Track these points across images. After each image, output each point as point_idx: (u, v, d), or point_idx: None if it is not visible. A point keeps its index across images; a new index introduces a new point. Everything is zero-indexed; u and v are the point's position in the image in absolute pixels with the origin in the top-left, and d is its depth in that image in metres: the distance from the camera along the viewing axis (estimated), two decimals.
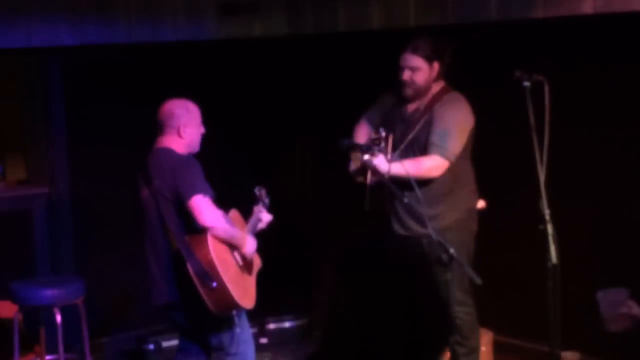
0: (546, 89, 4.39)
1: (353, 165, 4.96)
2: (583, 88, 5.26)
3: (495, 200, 5.36)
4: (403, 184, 4.64)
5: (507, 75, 4.48)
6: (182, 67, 6.41)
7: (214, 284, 4.31)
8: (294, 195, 6.75)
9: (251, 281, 4.68)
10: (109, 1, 5.84)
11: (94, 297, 5.73)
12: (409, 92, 4.89)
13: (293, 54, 6.91)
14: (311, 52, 6.86)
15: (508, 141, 5.42)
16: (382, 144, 4.55)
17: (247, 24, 6.45)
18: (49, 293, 5.32)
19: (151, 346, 6.03)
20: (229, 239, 4.48)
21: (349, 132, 5.15)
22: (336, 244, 1.88)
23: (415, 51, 4.83)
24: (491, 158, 5.53)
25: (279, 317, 6.42)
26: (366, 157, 4.60)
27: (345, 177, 5.00)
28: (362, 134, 5.08)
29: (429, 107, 4.88)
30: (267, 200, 4.88)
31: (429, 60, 4.83)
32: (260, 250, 4.73)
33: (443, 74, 4.90)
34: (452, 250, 4.26)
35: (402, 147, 4.85)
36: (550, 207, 4.34)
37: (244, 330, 4.63)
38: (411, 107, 4.95)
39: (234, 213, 4.72)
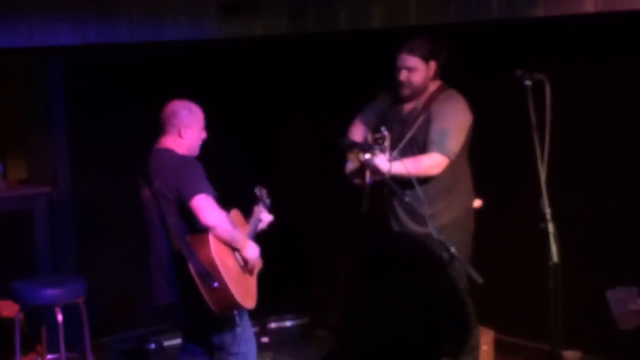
0: (547, 87, 4.39)
1: (350, 166, 4.96)
2: (584, 87, 5.26)
3: (497, 199, 5.36)
4: (403, 183, 4.64)
5: (508, 74, 4.48)
6: (183, 66, 6.41)
7: (216, 284, 4.31)
8: (295, 195, 6.75)
9: (252, 281, 4.68)
10: (110, 1, 5.84)
11: (95, 297, 5.73)
12: (406, 92, 4.90)
13: (294, 54, 6.91)
14: (312, 51, 6.86)
15: (509, 140, 5.42)
16: (385, 143, 4.55)
17: (248, 24, 6.45)
18: (50, 292, 5.32)
19: (152, 345, 6.03)
20: (230, 240, 4.47)
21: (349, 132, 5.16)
22: (356, 243, 1.87)
23: (411, 51, 4.84)
24: (492, 157, 5.53)
25: (279, 316, 6.42)
26: (367, 156, 4.60)
27: (349, 180, 5.00)
28: (357, 134, 5.08)
29: (427, 106, 4.88)
30: (267, 201, 4.89)
31: (426, 59, 4.84)
32: (261, 250, 4.73)
33: (439, 73, 4.91)
34: (453, 249, 4.26)
35: (400, 146, 4.85)
36: (551, 205, 4.34)
37: (246, 330, 4.63)
38: (408, 107, 4.96)
39: (235, 213, 4.72)
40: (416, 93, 4.90)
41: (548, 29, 5.34)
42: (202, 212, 4.33)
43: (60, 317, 5.31)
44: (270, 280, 4.93)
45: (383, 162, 4.59)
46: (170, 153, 4.53)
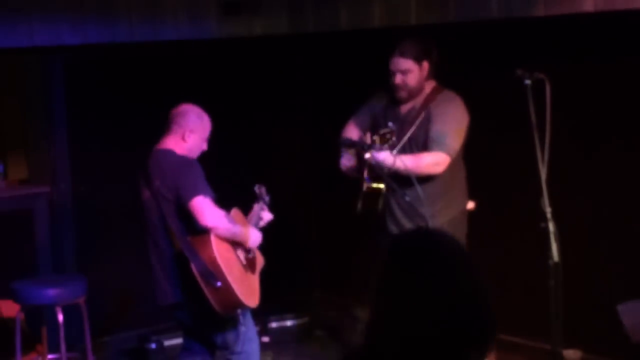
0: (547, 87, 4.39)
1: (346, 162, 4.96)
2: (584, 86, 5.26)
3: (497, 199, 5.37)
4: (402, 183, 4.65)
5: (508, 74, 4.48)
6: (183, 66, 6.42)
7: (219, 284, 4.31)
8: (295, 194, 6.75)
9: (255, 280, 4.68)
10: (110, 1, 5.84)
11: (96, 296, 5.73)
12: (403, 94, 4.91)
13: (294, 53, 6.91)
14: (312, 50, 6.87)
15: (509, 139, 5.42)
16: (394, 138, 4.55)
17: (248, 23, 6.45)
18: (51, 292, 5.33)
19: (153, 345, 6.03)
20: (232, 237, 4.48)
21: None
22: (392, 239, 1.87)
23: (403, 54, 4.86)
24: (492, 156, 5.54)
25: (280, 315, 6.43)
26: (367, 155, 4.60)
27: (346, 177, 5.00)
28: (351, 135, 5.08)
29: (425, 106, 4.89)
30: (267, 198, 4.89)
31: (418, 60, 4.85)
32: (262, 248, 4.74)
33: (433, 73, 4.92)
34: None
35: (399, 146, 4.86)
36: (551, 205, 4.34)
37: (249, 329, 4.64)
38: (406, 107, 4.97)
39: (235, 212, 4.72)
40: (413, 94, 4.92)
41: (548, 28, 5.34)
42: (201, 214, 4.33)
43: (60, 317, 5.31)
44: (271, 279, 4.93)
45: (387, 157, 4.58)
46: (170, 153, 4.54)
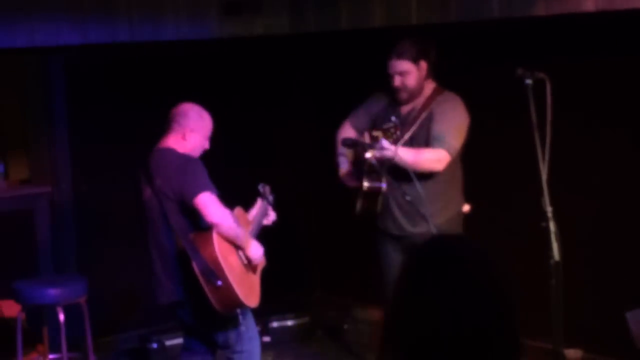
0: (548, 86, 4.39)
1: (344, 166, 4.98)
2: (585, 85, 5.26)
3: (498, 198, 5.37)
4: (403, 182, 4.65)
5: (509, 73, 4.48)
6: (184, 66, 6.42)
7: (219, 283, 4.31)
8: (296, 195, 6.75)
9: (256, 280, 4.68)
10: (110, 0, 5.84)
11: (97, 296, 5.73)
12: (403, 96, 4.92)
13: (295, 53, 6.91)
14: (313, 50, 6.87)
15: (510, 139, 5.42)
16: (398, 132, 4.55)
17: (249, 23, 6.45)
18: (52, 292, 5.33)
19: (154, 345, 6.03)
20: (234, 238, 4.48)
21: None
22: (420, 243, 1.84)
23: (400, 56, 4.86)
24: (493, 156, 5.54)
25: (281, 315, 6.43)
26: (368, 155, 4.60)
27: (341, 180, 5.01)
28: (348, 136, 5.07)
29: (426, 106, 4.90)
30: (271, 197, 4.89)
31: (415, 61, 4.86)
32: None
33: (432, 73, 4.92)
34: None
35: (400, 144, 4.85)
36: (552, 204, 4.34)
37: (250, 328, 4.64)
38: (406, 108, 4.97)
39: (238, 211, 4.72)
40: (413, 95, 4.92)
41: (548, 27, 5.34)
42: (207, 210, 4.33)
43: (62, 317, 5.31)
44: (272, 279, 4.93)
45: (390, 146, 4.57)
46: (171, 152, 4.54)
